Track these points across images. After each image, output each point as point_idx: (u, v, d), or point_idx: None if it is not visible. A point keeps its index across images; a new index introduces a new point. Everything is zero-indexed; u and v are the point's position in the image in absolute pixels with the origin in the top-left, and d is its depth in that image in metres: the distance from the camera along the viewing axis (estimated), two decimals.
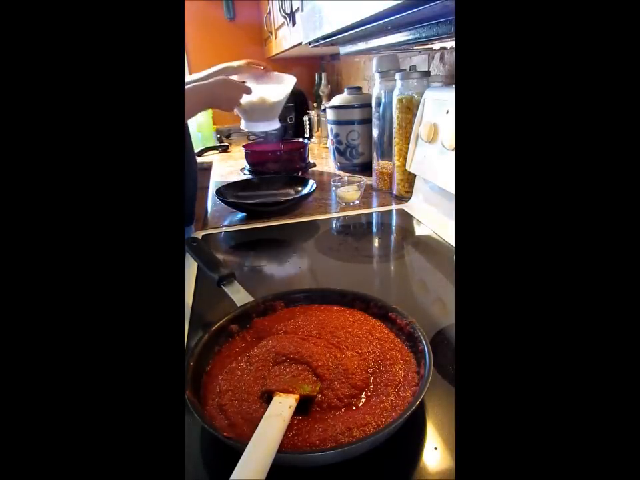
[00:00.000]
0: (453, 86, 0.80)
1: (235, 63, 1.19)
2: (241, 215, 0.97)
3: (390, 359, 0.41)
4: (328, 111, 1.30)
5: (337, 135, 1.28)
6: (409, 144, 0.91)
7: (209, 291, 0.61)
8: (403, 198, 0.99)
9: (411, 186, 0.96)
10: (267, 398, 0.37)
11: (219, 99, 0.95)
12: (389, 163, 1.06)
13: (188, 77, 1.17)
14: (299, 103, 1.89)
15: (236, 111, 1.09)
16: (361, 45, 0.87)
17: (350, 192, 0.99)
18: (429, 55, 1.18)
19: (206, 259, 0.60)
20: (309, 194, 1.00)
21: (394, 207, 0.97)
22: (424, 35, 0.62)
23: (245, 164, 1.34)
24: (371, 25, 0.64)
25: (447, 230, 0.79)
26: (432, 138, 0.82)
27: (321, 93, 1.98)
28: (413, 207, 0.93)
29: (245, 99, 1.04)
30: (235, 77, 1.11)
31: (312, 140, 1.84)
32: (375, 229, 0.90)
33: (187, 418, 0.34)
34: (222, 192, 1.01)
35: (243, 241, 0.87)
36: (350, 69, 1.97)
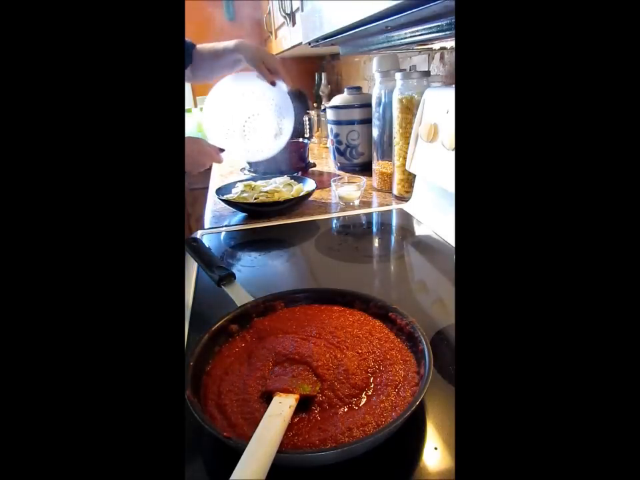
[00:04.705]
0: (453, 86, 0.80)
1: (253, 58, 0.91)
2: (241, 214, 0.97)
3: (390, 359, 0.41)
4: (328, 111, 1.30)
5: (337, 135, 1.28)
6: (408, 144, 0.91)
7: (208, 290, 0.61)
8: (403, 198, 0.99)
9: (411, 186, 0.96)
10: (267, 398, 0.37)
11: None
12: (389, 163, 1.06)
13: (198, 46, 0.97)
14: (299, 103, 1.89)
15: None
16: (361, 45, 0.87)
17: (350, 192, 0.99)
18: (429, 55, 1.18)
19: (206, 259, 0.60)
20: (309, 194, 1.00)
21: (394, 206, 0.97)
22: (424, 35, 0.62)
23: (245, 164, 1.34)
24: (371, 25, 0.64)
25: (447, 230, 0.79)
26: (432, 138, 0.82)
27: (320, 93, 1.98)
28: (412, 207, 0.93)
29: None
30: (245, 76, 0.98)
31: (312, 140, 1.84)
32: (375, 229, 0.90)
33: (186, 418, 0.34)
34: (222, 192, 1.01)
35: (243, 240, 0.87)
36: (350, 69, 1.97)
